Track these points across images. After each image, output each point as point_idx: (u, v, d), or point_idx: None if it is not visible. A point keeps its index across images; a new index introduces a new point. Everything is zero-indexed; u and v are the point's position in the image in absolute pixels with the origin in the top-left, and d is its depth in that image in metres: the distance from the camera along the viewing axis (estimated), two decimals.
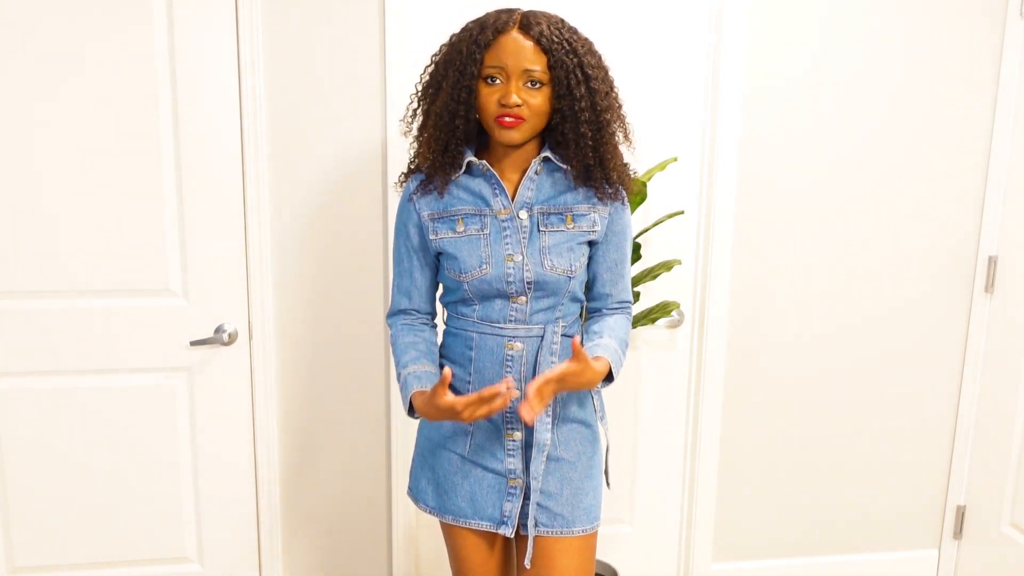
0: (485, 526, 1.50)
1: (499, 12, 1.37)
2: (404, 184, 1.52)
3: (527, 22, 1.34)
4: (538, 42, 1.33)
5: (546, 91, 1.36)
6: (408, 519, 2.26)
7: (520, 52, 1.33)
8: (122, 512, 2.12)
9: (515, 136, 1.37)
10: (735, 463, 2.43)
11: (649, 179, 2.00)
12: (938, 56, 2.26)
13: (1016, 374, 2.31)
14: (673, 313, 2.26)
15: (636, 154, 2.20)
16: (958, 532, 2.54)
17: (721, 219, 2.25)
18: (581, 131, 1.37)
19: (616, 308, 1.55)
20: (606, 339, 1.47)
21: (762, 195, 2.27)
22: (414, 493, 1.58)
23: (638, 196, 1.93)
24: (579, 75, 1.34)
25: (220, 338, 2.03)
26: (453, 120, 1.38)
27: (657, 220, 2.06)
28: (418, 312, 1.56)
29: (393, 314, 1.56)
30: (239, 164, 2.00)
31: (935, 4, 2.24)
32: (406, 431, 2.20)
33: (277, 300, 2.11)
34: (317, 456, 2.22)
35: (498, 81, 1.35)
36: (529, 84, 1.34)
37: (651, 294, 2.28)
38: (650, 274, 2.02)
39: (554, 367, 1.33)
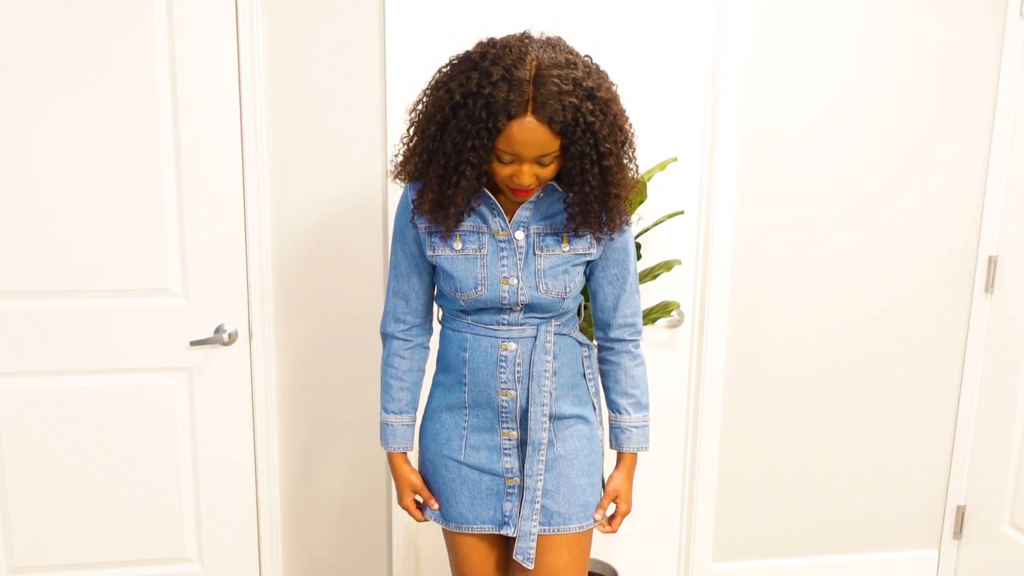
0: (488, 529, 1.50)
1: (510, 85, 1.22)
2: (402, 183, 1.47)
3: (540, 101, 1.22)
4: (551, 125, 1.24)
5: (558, 161, 1.32)
6: (408, 519, 2.26)
7: (534, 142, 1.25)
8: (122, 512, 2.12)
9: (525, 199, 1.37)
10: (735, 463, 2.43)
11: (649, 179, 2.00)
12: (938, 56, 2.26)
13: (1016, 374, 2.31)
14: (673, 313, 2.26)
15: (636, 155, 2.20)
16: (958, 532, 2.54)
17: (721, 219, 2.25)
18: (590, 208, 1.36)
19: (626, 337, 1.54)
20: (627, 416, 1.54)
21: (762, 195, 2.27)
22: (418, 502, 1.60)
23: (638, 196, 1.93)
24: (594, 156, 1.29)
25: (220, 338, 2.03)
26: (468, 200, 1.36)
27: (657, 220, 2.07)
28: (414, 316, 1.54)
29: (388, 322, 1.55)
30: (239, 164, 2.00)
31: (935, 4, 2.24)
32: None
33: (277, 300, 2.11)
34: (317, 456, 2.22)
35: (509, 161, 1.30)
36: (541, 162, 1.30)
37: (651, 294, 2.28)
38: (650, 274, 2.02)
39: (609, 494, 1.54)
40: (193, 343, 2.02)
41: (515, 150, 1.27)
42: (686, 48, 2.18)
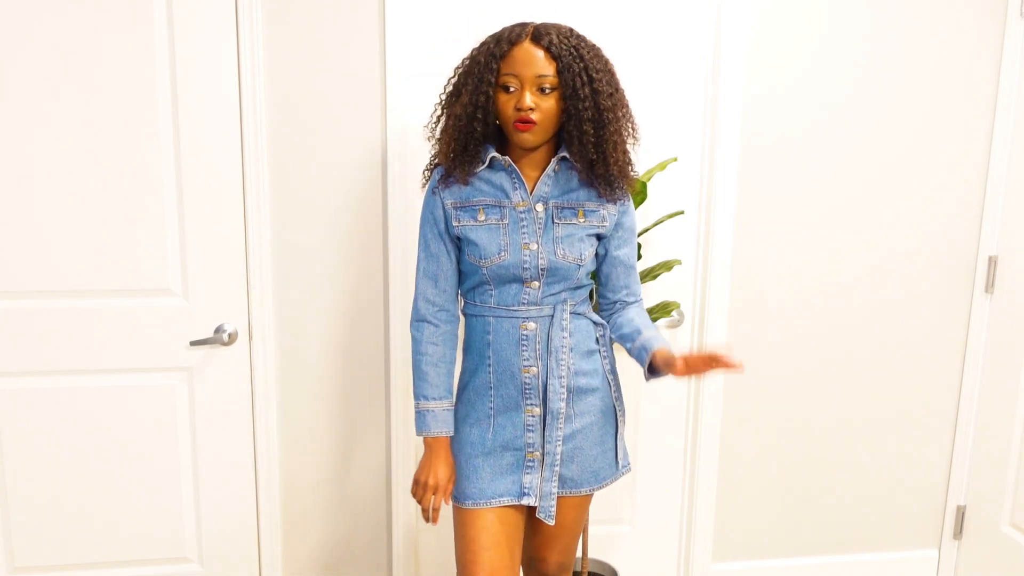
0: (506, 501, 1.59)
1: (514, 26, 1.51)
2: (429, 178, 1.63)
3: (538, 33, 1.48)
4: (548, 50, 1.46)
5: (556, 95, 1.49)
6: (408, 519, 2.26)
7: (532, 61, 1.47)
8: (122, 512, 2.12)
9: (529, 139, 1.50)
10: (735, 463, 2.43)
11: (649, 179, 2.00)
12: (938, 56, 2.26)
13: (1016, 374, 2.31)
14: (673, 313, 2.26)
15: (636, 154, 2.20)
16: (958, 532, 2.54)
17: (721, 219, 2.25)
18: (584, 128, 1.49)
19: (635, 301, 1.72)
20: (653, 332, 1.63)
21: (762, 195, 2.27)
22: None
23: (638, 196, 1.93)
24: (584, 77, 1.47)
25: (220, 338, 2.03)
26: (471, 123, 1.51)
27: (657, 220, 2.07)
28: (442, 298, 1.62)
29: (419, 305, 1.62)
30: (239, 164, 2.00)
31: (935, 4, 2.24)
32: (406, 431, 2.20)
33: (277, 300, 2.11)
34: (317, 456, 2.22)
35: (513, 89, 1.48)
36: (541, 90, 1.47)
37: (651, 294, 2.28)
38: (650, 274, 2.02)
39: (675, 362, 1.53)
40: (193, 343, 2.02)
41: (515, 69, 1.47)
42: (686, 48, 2.18)
